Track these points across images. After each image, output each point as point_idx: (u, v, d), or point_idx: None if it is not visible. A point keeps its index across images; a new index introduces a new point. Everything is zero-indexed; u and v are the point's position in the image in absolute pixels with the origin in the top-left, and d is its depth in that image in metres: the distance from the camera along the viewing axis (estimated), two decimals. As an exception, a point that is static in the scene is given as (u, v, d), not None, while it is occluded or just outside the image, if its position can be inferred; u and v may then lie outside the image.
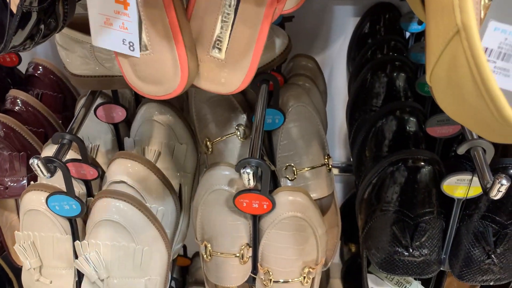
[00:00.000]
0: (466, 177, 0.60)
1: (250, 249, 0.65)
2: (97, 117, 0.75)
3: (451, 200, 0.63)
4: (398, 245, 0.65)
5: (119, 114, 0.75)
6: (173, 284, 1.09)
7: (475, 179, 0.60)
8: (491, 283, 0.66)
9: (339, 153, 1.21)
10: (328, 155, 0.76)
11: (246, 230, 0.65)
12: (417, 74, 0.81)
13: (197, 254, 1.18)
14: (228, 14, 0.40)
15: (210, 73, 0.43)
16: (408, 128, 0.70)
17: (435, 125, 0.68)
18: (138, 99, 0.85)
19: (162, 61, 0.42)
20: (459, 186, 0.61)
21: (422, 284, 0.74)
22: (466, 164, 0.69)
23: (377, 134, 0.72)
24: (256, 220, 0.63)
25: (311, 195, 0.74)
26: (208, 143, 0.76)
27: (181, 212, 0.81)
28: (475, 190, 0.61)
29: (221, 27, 0.41)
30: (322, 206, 0.83)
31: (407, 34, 0.92)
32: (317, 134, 0.75)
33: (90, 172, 0.66)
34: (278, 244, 0.64)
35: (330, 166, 0.76)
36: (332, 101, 1.09)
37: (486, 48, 0.31)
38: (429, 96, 0.77)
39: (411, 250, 0.64)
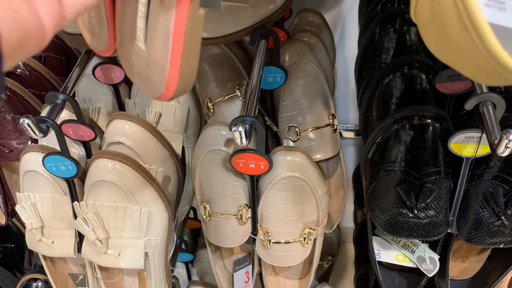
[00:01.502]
0: (475, 134, 0.57)
1: (249, 209, 0.64)
2: (95, 77, 0.74)
3: (459, 159, 0.60)
4: (403, 206, 0.62)
5: (118, 74, 0.74)
6: (183, 246, 1.09)
7: (485, 136, 0.56)
8: (501, 246, 0.63)
9: (353, 115, 1.17)
10: (333, 115, 0.73)
11: (245, 191, 0.63)
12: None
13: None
14: None
15: (138, 67, 0.35)
16: (416, 84, 0.66)
17: (445, 80, 0.64)
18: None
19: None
20: (468, 145, 0.58)
21: (430, 247, 0.72)
22: (478, 122, 0.65)
23: (384, 91, 0.69)
24: (254, 180, 0.61)
25: (315, 156, 0.72)
26: (209, 104, 0.74)
27: (186, 174, 0.80)
28: (485, 148, 0.58)
29: (140, 11, 0.34)
30: (328, 168, 0.80)
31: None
32: (322, 92, 0.72)
33: (87, 133, 0.65)
34: (277, 205, 0.62)
35: (335, 126, 0.73)
36: (345, 61, 1.05)
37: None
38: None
39: (416, 212, 0.61)
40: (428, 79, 0.66)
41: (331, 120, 0.72)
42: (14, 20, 0.22)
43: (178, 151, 0.77)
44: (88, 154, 0.69)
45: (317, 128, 0.72)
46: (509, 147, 0.47)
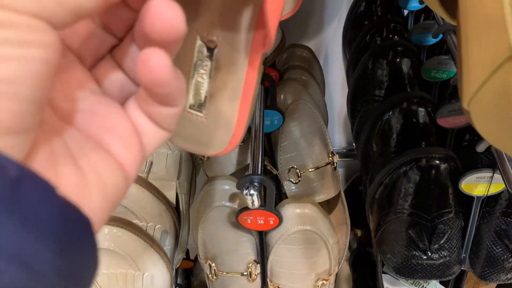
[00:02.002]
0: (486, 174, 0.55)
1: (258, 265, 0.61)
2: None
3: (468, 197, 0.59)
4: (416, 248, 0.60)
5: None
6: (177, 288, 1.05)
7: (496, 175, 0.55)
8: (515, 280, 0.62)
9: (339, 138, 1.16)
10: (333, 152, 0.71)
11: (253, 246, 0.60)
12: (420, 57, 0.75)
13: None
14: (203, 62, 0.32)
15: (190, 131, 0.33)
16: (417, 120, 0.65)
17: (447, 115, 0.63)
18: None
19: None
20: (479, 184, 0.57)
21: (441, 282, 0.70)
22: (481, 156, 0.64)
23: (384, 128, 0.67)
24: (262, 236, 0.58)
25: (318, 198, 0.70)
26: (203, 149, 0.71)
27: (180, 222, 0.76)
28: (496, 187, 0.57)
29: (197, 79, 0.33)
30: (329, 204, 0.78)
31: (405, 12, 0.86)
32: (319, 131, 0.70)
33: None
34: (288, 259, 0.59)
35: (335, 165, 0.71)
36: (329, 86, 1.04)
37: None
38: (435, 82, 0.72)
39: (429, 253, 0.60)
40: (428, 114, 0.65)
41: (330, 158, 0.70)
42: (102, 191, 0.19)
43: (172, 199, 0.73)
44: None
45: (317, 168, 0.70)
46: (531, 195, 0.46)
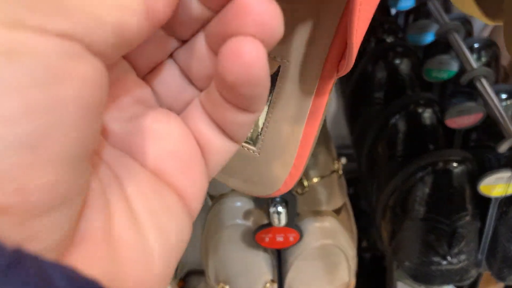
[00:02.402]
0: (505, 174, 0.54)
1: (275, 284, 0.58)
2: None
3: (485, 198, 0.58)
4: (435, 254, 0.59)
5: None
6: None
7: (515, 175, 0.54)
8: (532, 279, 0.62)
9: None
10: (338, 158, 0.69)
11: (268, 265, 0.57)
12: (419, 58, 0.74)
13: (190, 273, 1.10)
14: None
15: (240, 167, 0.29)
16: (425, 122, 0.64)
17: (455, 116, 0.62)
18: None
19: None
20: (497, 185, 0.56)
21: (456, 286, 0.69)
22: (490, 156, 0.64)
23: (391, 132, 0.66)
24: (280, 254, 0.55)
25: (325, 208, 0.67)
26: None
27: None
28: (515, 187, 0.56)
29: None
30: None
31: (393, 11, 0.85)
32: (324, 137, 0.68)
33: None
34: (307, 275, 0.56)
35: (340, 172, 0.69)
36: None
37: None
38: (437, 82, 0.71)
39: (449, 258, 0.58)
40: (435, 115, 0.64)
41: (336, 166, 0.68)
42: (165, 246, 0.15)
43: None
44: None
45: (323, 177, 0.67)
46: None
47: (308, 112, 0.27)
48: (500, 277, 0.61)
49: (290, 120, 0.28)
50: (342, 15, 0.26)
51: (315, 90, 0.27)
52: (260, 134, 0.28)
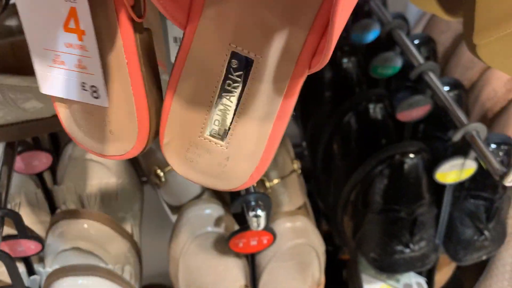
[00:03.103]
0: (459, 161, 0.58)
1: (249, 289, 0.57)
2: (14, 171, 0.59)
3: (440, 185, 0.61)
4: (398, 243, 0.61)
5: (43, 161, 0.60)
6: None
7: (467, 162, 0.58)
8: (484, 258, 0.66)
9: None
10: (295, 158, 0.69)
11: (241, 270, 0.56)
12: (363, 55, 0.77)
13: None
14: (233, 81, 0.28)
15: (205, 162, 0.30)
16: (377, 118, 0.66)
17: (406, 109, 0.65)
18: (56, 140, 0.69)
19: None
20: (452, 172, 0.59)
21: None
22: (438, 145, 0.67)
23: (345, 129, 0.67)
24: (253, 258, 0.54)
25: (286, 209, 0.67)
26: (159, 172, 0.65)
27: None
28: (466, 172, 0.59)
29: (225, 102, 0.28)
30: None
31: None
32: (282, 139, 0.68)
33: (31, 247, 0.51)
34: (281, 277, 0.56)
35: (299, 171, 0.69)
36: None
37: None
38: (382, 78, 0.74)
39: (411, 246, 0.61)
40: (386, 110, 0.67)
41: (295, 166, 0.68)
42: None
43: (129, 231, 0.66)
44: (31, 271, 0.55)
45: (283, 178, 0.67)
46: (518, 176, 0.49)
47: (278, 110, 0.28)
48: (456, 259, 0.65)
49: (259, 117, 0.28)
50: (319, 9, 0.27)
51: (285, 89, 0.27)
52: (229, 129, 0.29)
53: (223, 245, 0.53)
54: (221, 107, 0.29)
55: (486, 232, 0.62)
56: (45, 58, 0.30)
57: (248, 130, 0.29)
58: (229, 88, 0.28)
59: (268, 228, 0.51)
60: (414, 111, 0.65)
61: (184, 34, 0.28)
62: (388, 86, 0.76)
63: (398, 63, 0.71)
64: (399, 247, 0.61)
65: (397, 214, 0.60)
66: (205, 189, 0.67)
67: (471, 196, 0.62)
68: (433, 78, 0.60)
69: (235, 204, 0.46)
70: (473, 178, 0.61)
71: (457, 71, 0.80)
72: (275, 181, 0.67)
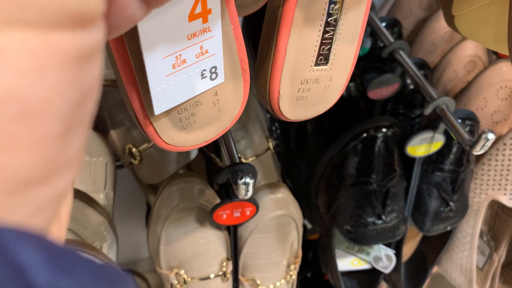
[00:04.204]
0: (428, 135, 0.61)
1: (230, 262, 0.57)
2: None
3: (410, 159, 0.64)
4: (371, 214, 0.63)
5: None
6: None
7: (436, 135, 0.61)
8: (449, 228, 0.70)
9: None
10: (268, 137, 0.70)
11: (223, 243, 0.56)
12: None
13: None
14: (332, 14, 0.30)
15: (312, 93, 0.33)
16: (349, 95, 0.68)
17: (376, 87, 0.67)
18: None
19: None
20: (422, 145, 0.62)
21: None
22: (406, 120, 0.70)
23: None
24: (236, 229, 0.55)
25: (262, 184, 0.68)
26: (134, 150, 0.64)
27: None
28: (435, 145, 0.62)
29: (325, 36, 0.31)
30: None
31: None
32: (257, 118, 0.69)
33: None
34: (262, 249, 0.57)
35: (273, 149, 0.70)
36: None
37: None
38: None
39: (384, 217, 0.63)
40: (358, 89, 0.69)
41: (270, 144, 0.69)
42: None
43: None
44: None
45: (258, 156, 0.68)
46: (487, 145, 0.52)
47: (362, 22, 0.32)
48: (424, 230, 0.68)
49: (350, 33, 0.32)
50: None
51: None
52: (332, 51, 0.32)
53: (205, 218, 0.54)
54: (326, 36, 0.31)
55: (451, 203, 0.66)
56: (163, 69, 0.25)
57: (345, 47, 0.32)
58: (331, 19, 0.30)
59: (251, 199, 0.52)
60: (383, 89, 0.68)
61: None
62: (357, 66, 0.78)
63: (367, 44, 0.74)
64: (372, 219, 0.63)
65: (370, 187, 0.63)
66: (180, 166, 0.67)
67: (438, 169, 0.66)
68: (403, 56, 0.62)
69: (223, 174, 0.47)
70: (440, 152, 0.65)
71: (420, 54, 0.83)
72: (251, 159, 0.67)
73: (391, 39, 0.64)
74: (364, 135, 0.62)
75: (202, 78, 0.27)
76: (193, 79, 0.26)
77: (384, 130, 0.61)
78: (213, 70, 0.27)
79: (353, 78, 0.69)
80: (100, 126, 0.67)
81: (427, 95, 0.58)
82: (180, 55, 0.24)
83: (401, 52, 0.63)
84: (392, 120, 0.62)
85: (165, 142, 0.31)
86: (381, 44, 0.66)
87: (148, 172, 0.66)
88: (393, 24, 0.74)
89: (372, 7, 0.70)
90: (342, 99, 0.68)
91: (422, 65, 0.69)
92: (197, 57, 0.25)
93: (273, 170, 0.70)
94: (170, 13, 0.22)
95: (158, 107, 0.26)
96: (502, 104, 0.72)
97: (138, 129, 0.64)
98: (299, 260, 0.62)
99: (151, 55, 0.23)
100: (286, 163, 0.80)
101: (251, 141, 0.68)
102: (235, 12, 0.27)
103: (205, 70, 0.26)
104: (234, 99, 0.31)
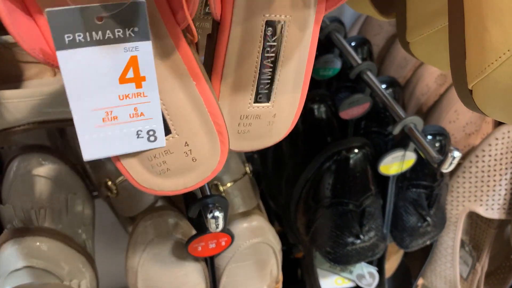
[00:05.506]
0: (400, 153, 0.62)
1: (209, 292, 0.57)
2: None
3: (384, 177, 0.65)
4: (349, 235, 0.64)
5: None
6: None
7: (407, 153, 0.62)
8: (428, 243, 0.70)
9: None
10: (246, 161, 0.71)
11: (201, 275, 0.56)
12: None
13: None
14: (270, 47, 0.30)
15: (254, 128, 0.33)
16: (321, 117, 0.69)
17: (347, 108, 0.68)
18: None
19: (193, 140, 0.31)
20: (394, 164, 0.63)
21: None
22: (379, 137, 0.71)
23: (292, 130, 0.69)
24: (212, 261, 0.55)
25: (240, 211, 0.69)
26: (110, 183, 0.64)
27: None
28: (407, 163, 0.63)
29: (265, 66, 0.31)
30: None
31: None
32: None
33: (-20, 270, 0.49)
34: (240, 278, 0.57)
35: (251, 174, 0.71)
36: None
37: None
38: (323, 79, 0.77)
39: (362, 237, 0.64)
40: (330, 110, 0.70)
41: (247, 168, 0.70)
42: None
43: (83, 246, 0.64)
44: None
45: (235, 181, 0.68)
46: (453, 163, 0.53)
47: (307, 57, 0.32)
48: (403, 246, 0.69)
49: (295, 66, 0.33)
50: None
51: (311, 38, 0.32)
52: (272, 90, 0.33)
53: (181, 250, 0.54)
54: (264, 71, 0.31)
55: (428, 218, 0.67)
56: (92, 120, 0.27)
57: (288, 81, 0.32)
58: (268, 53, 0.31)
59: (225, 230, 0.52)
60: (355, 109, 0.69)
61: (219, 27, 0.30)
62: (329, 87, 0.79)
63: (338, 64, 0.75)
64: (350, 239, 0.64)
65: (346, 207, 0.63)
66: (158, 198, 0.67)
67: (413, 186, 0.66)
68: (371, 77, 0.63)
69: (193, 208, 0.47)
70: (414, 169, 0.66)
71: (391, 69, 0.85)
72: (229, 184, 0.68)
73: (359, 61, 0.66)
74: (337, 156, 0.62)
75: (138, 137, 0.28)
76: (127, 136, 0.28)
77: (356, 150, 0.62)
78: (151, 133, 0.28)
79: (325, 99, 0.69)
80: (76, 160, 0.67)
81: (395, 114, 0.59)
82: (111, 111, 0.26)
83: (369, 73, 0.64)
84: (363, 141, 0.63)
85: (140, 184, 0.32)
86: (350, 64, 0.67)
87: (125, 204, 0.66)
88: (363, 43, 0.76)
89: (340, 29, 0.71)
90: (315, 119, 0.70)
91: (391, 83, 0.70)
92: (130, 117, 0.27)
93: (251, 194, 0.70)
94: (100, 70, 0.24)
95: (87, 153, 0.28)
96: (474, 116, 0.74)
97: (113, 163, 0.64)
98: (279, 285, 0.63)
99: (78, 104, 0.25)
100: (267, 183, 0.81)
101: (228, 166, 0.68)
102: (196, 67, 0.28)
103: (140, 131, 0.27)
104: (210, 150, 0.32)
